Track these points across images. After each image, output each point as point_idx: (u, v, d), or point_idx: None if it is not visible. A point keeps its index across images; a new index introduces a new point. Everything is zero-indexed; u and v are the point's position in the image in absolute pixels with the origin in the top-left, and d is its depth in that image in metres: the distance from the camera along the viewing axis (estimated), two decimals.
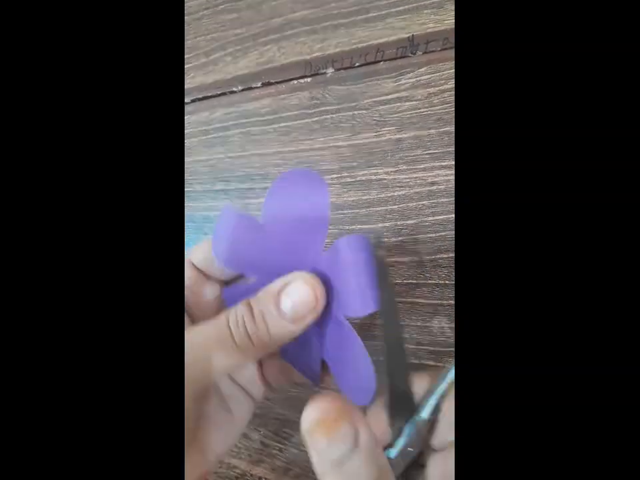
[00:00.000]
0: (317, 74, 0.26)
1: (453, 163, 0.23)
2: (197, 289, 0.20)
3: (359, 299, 0.16)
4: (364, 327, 0.24)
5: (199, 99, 0.30)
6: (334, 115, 0.26)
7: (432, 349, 0.25)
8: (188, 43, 0.30)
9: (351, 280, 0.16)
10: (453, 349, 0.23)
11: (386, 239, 0.25)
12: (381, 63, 0.25)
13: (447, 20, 0.23)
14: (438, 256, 0.24)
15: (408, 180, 0.24)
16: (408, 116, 0.24)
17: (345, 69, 0.25)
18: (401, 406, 0.16)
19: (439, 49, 0.23)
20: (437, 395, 0.16)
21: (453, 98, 0.23)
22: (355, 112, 0.25)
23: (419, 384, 0.17)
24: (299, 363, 0.20)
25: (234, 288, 0.21)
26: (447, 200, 0.23)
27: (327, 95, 0.26)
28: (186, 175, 0.30)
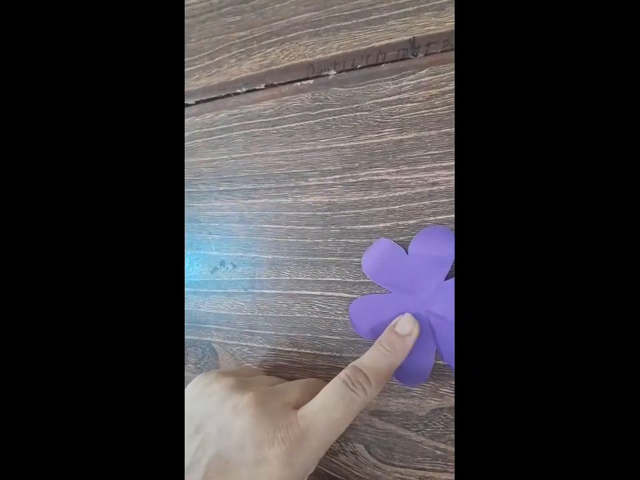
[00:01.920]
0: (320, 76, 0.26)
1: (453, 163, 0.23)
2: None
3: None
4: None
5: (204, 101, 0.30)
6: (336, 117, 0.26)
7: None
8: (192, 45, 0.30)
9: None
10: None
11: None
12: (383, 65, 0.25)
13: (448, 22, 0.23)
14: None
15: (409, 180, 0.24)
16: (409, 117, 0.24)
17: (347, 70, 0.26)
18: None
19: (440, 50, 0.24)
20: None
21: (453, 99, 0.23)
22: (357, 113, 0.26)
23: None
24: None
25: (363, 300, 0.25)
26: (448, 200, 0.23)
27: (329, 97, 0.26)
28: (191, 175, 0.31)
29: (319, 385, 0.22)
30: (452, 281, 0.23)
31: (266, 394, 0.21)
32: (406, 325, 0.22)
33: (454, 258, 0.23)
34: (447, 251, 0.23)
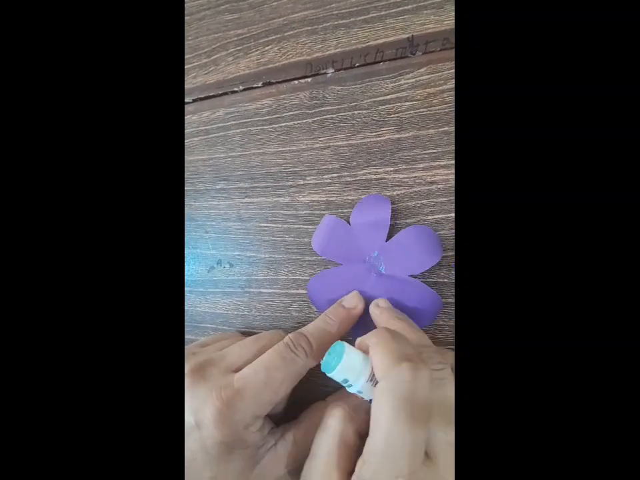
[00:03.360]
0: (317, 74, 0.26)
1: (452, 162, 0.23)
2: None
3: (425, 255, 0.23)
4: None
5: (201, 99, 0.30)
6: (334, 115, 0.26)
7: None
8: (189, 42, 0.30)
9: (414, 246, 0.23)
10: (453, 347, 0.23)
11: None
12: (381, 63, 0.25)
13: (447, 20, 0.23)
14: None
15: (407, 179, 0.24)
16: (407, 116, 0.24)
17: (345, 69, 0.26)
18: None
19: (439, 49, 0.24)
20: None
21: (451, 98, 0.23)
22: (355, 112, 0.25)
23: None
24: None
25: (318, 277, 0.26)
26: (446, 199, 0.23)
27: (327, 95, 0.26)
28: (188, 174, 0.30)
29: (266, 339, 0.23)
30: (393, 240, 0.24)
31: (205, 362, 0.22)
32: (351, 300, 0.24)
33: (390, 220, 0.24)
34: (382, 215, 0.24)
